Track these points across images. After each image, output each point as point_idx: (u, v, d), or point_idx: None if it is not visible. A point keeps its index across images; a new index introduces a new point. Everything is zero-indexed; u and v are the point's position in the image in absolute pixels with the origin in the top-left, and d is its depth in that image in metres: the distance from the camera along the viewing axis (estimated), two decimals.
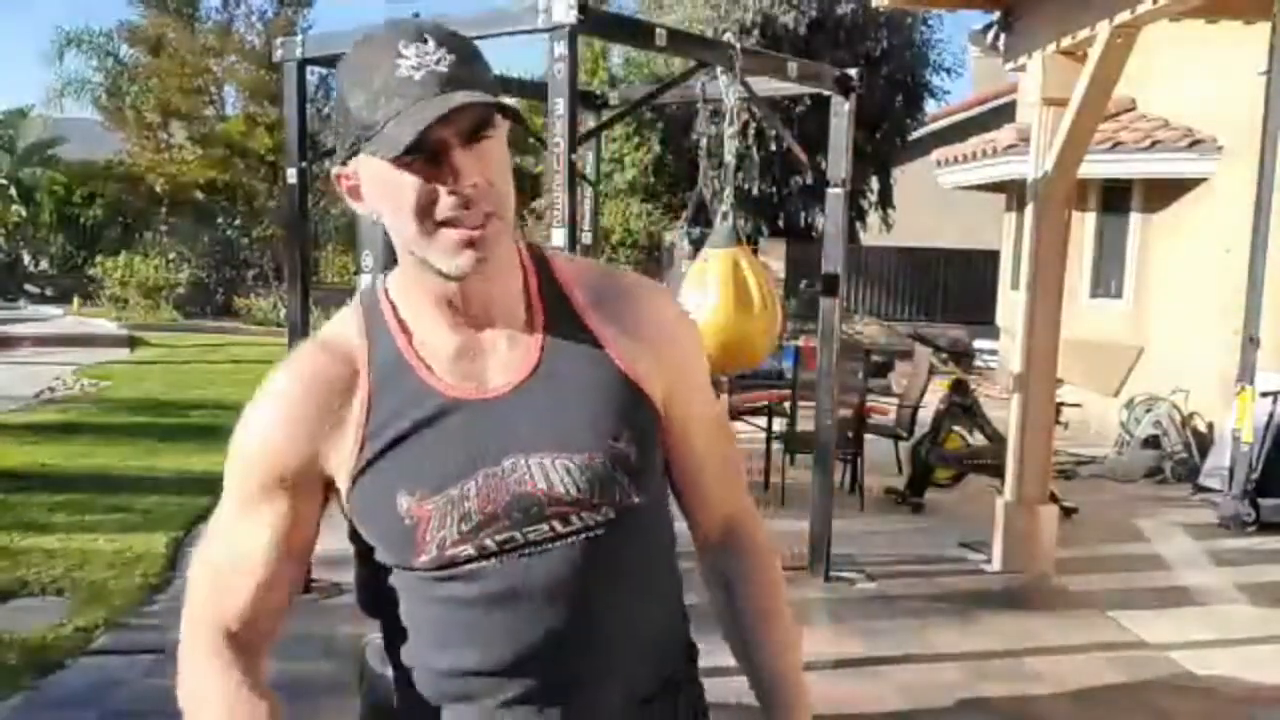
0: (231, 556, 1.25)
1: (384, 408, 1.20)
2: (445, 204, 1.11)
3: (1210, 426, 7.90)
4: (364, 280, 3.92)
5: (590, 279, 1.29)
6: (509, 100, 1.17)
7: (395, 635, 1.28)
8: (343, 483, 1.21)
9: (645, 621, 1.29)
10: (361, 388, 1.20)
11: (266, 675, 1.25)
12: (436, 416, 1.19)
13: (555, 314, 1.24)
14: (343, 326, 1.25)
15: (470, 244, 1.13)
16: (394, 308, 1.24)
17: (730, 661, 1.42)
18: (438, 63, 1.10)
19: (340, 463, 1.20)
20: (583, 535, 1.20)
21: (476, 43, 1.16)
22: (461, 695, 1.25)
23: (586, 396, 1.21)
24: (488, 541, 1.18)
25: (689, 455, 1.34)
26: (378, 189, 1.15)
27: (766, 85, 4.88)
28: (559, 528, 1.19)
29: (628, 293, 1.29)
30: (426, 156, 1.10)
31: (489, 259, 1.15)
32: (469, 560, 1.18)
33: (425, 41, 1.10)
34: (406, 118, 1.08)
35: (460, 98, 1.08)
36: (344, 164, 1.18)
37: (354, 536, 1.27)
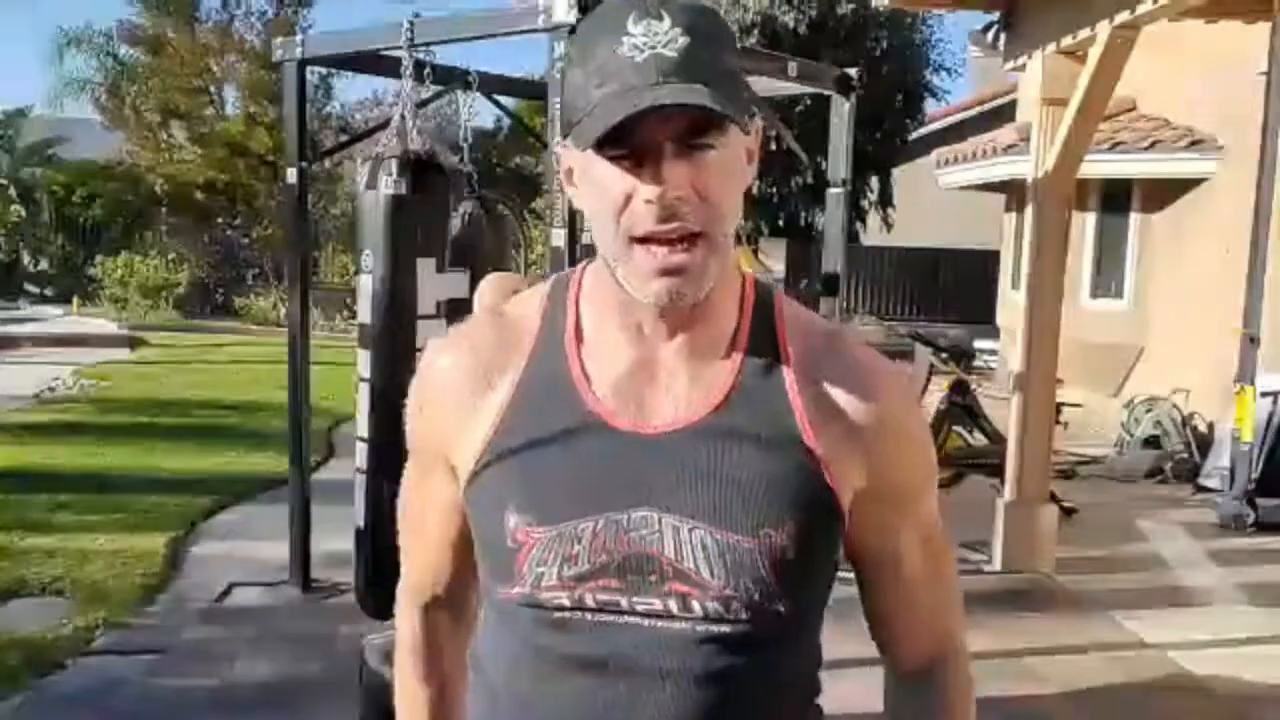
0: (408, 517, 1.20)
1: (527, 404, 1.04)
2: (641, 214, 0.94)
3: (1210, 426, 7.90)
4: (364, 280, 3.89)
5: (815, 338, 1.07)
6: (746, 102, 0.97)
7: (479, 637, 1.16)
8: (464, 473, 1.06)
9: None
10: (515, 372, 1.05)
11: (470, 630, 1.20)
12: (576, 432, 1.01)
13: (757, 362, 1.03)
14: (525, 307, 1.11)
15: (667, 272, 0.95)
16: (578, 301, 1.08)
17: None
18: (666, 44, 0.91)
19: (469, 450, 1.05)
20: (701, 628, 0.98)
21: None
22: None
23: (755, 468, 0.99)
24: (588, 597, 0.98)
25: (895, 583, 1.13)
26: (581, 182, 1.01)
27: (766, 85, 4.88)
28: (674, 608, 0.97)
29: (854, 366, 1.06)
30: (633, 156, 0.93)
31: (690, 293, 0.96)
32: (560, 609, 0.99)
33: (660, 18, 0.92)
34: (607, 108, 0.91)
35: (667, 95, 0.90)
36: (563, 141, 1.02)
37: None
